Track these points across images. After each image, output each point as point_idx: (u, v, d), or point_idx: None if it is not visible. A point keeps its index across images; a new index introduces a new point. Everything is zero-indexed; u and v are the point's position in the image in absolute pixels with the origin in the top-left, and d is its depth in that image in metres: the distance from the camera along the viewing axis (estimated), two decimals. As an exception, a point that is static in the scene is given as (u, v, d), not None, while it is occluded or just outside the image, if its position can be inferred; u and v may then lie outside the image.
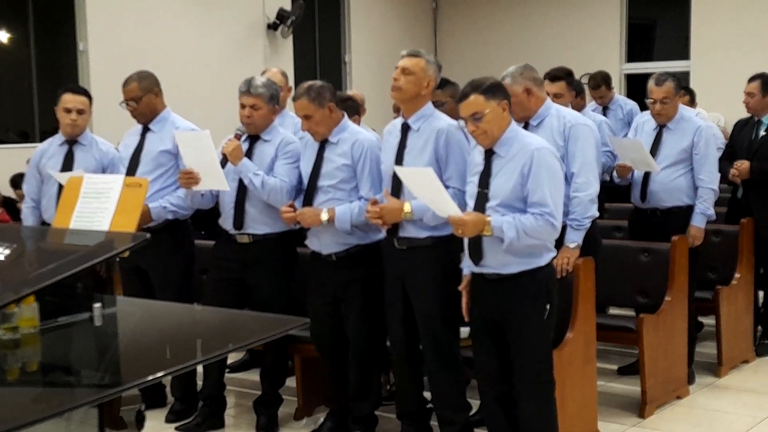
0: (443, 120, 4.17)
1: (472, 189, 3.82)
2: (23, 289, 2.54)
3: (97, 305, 2.78)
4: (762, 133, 5.83)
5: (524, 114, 4.38)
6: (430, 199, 3.84)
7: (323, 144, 4.39)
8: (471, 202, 3.80)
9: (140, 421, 2.63)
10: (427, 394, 4.42)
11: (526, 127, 4.39)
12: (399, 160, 4.16)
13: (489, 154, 3.77)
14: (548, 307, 3.76)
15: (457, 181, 4.05)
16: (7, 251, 3.02)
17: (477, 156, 3.85)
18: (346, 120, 4.44)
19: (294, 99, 4.36)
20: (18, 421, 2.00)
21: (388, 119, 4.22)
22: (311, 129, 4.33)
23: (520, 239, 3.63)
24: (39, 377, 2.54)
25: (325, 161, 4.37)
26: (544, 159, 3.68)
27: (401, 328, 4.28)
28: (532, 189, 3.66)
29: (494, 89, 3.72)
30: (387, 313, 4.34)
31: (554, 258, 3.87)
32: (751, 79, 5.90)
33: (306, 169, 4.44)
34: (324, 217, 4.28)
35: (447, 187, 3.94)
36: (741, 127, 6.03)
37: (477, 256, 3.77)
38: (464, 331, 4.28)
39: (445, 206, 3.72)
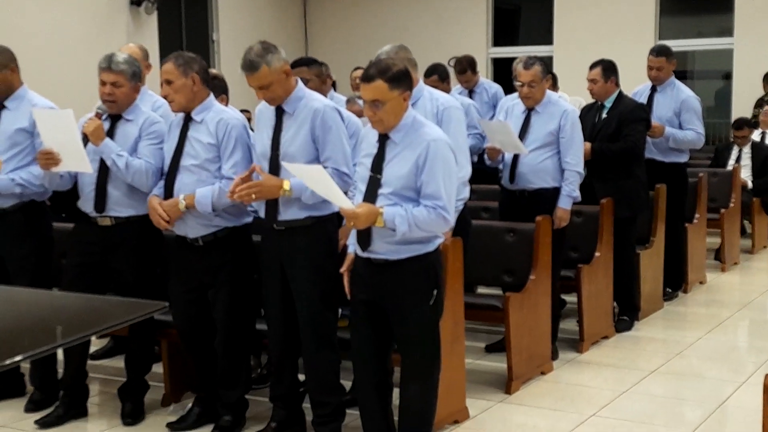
0: (318, 100, 4.11)
1: (363, 172, 3.75)
2: None
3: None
4: (604, 115, 6.06)
5: None
6: (323, 192, 3.75)
7: (187, 123, 4.28)
8: (362, 186, 3.74)
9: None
10: (301, 377, 4.39)
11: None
12: (275, 143, 4.07)
13: (383, 139, 3.70)
14: (435, 292, 3.76)
15: (336, 161, 4.01)
16: None
17: (371, 136, 3.78)
18: (212, 99, 4.33)
19: (162, 63, 4.24)
20: None
21: (256, 100, 4.14)
22: (169, 96, 4.21)
23: (411, 232, 3.60)
24: None
25: (189, 140, 4.25)
26: (440, 151, 3.63)
27: (279, 310, 4.21)
28: (426, 181, 3.61)
29: (400, 78, 3.63)
30: (264, 296, 4.27)
31: (441, 243, 3.87)
32: (593, 66, 6.10)
33: (169, 149, 4.32)
34: (182, 205, 4.18)
35: (325, 167, 3.91)
36: (587, 111, 6.27)
37: (365, 242, 3.71)
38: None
39: (336, 200, 3.65)
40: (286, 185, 3.97)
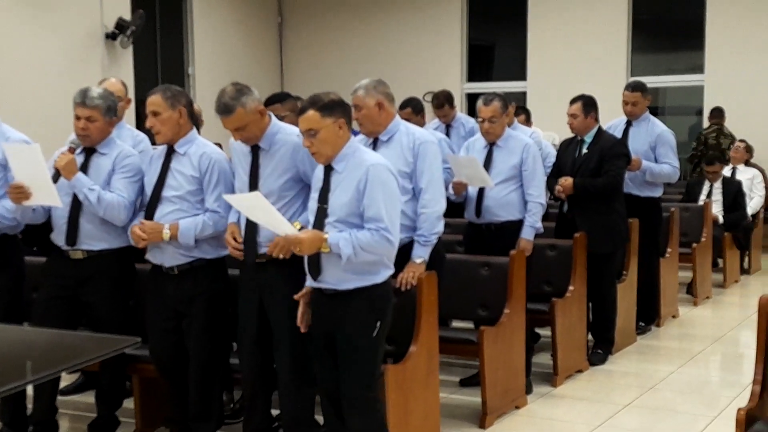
0: (295, 134, 4.13)
1: (312, 204, 3.84)
2: None
3: None
4: (585, 150, 6.11)
5: (374, 128, 4.41)
6: (265, 220, 3.82)
7: (170, 155, 4.28)
8: (311, 218, 3.81)
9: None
10: (274, 411, 4.35)
11: (375, 142, 4.42)
12: (254, 180, 4.11)
13: (328, 170, 3.80)
14: (379, 324, 3.79)
15: None
16: None
17: (318, 171, 3.87)
18: (194, 133, 4.36)
19: (147, 96, 4.25)
20: None
21: (228, 133, 4.17)
22: (155, 127, 4.22)
23: (357, 255, 3.65)
24: None
25: (171, 171, 4.26)
26: (378, 175, 3.72)
27: (255, 344, 4.19)
28: (367, 204, 3.69)
29: (332, 107, 3.73)
30: (240, 329, 4.25)
31: (392, 275, 3.90)
32: (573, 101, 6.17)
33: (151, 180, 4.32)
34: (166, 235, 4.17)
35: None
36: (566, 145, 6.32)
37: (315, 271, 3.78)
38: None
39: (280, 226, 3.71)
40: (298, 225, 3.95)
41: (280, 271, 4.06)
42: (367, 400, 3.81)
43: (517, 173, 5.41)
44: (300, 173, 4.08)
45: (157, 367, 4.47)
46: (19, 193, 4.26)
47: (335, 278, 3.74)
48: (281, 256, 3.92)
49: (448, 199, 5.59)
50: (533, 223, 5.40)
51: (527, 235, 5.39)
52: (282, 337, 4.11)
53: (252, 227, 4.09)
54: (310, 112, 3.70)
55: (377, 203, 3.68)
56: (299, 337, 4.07)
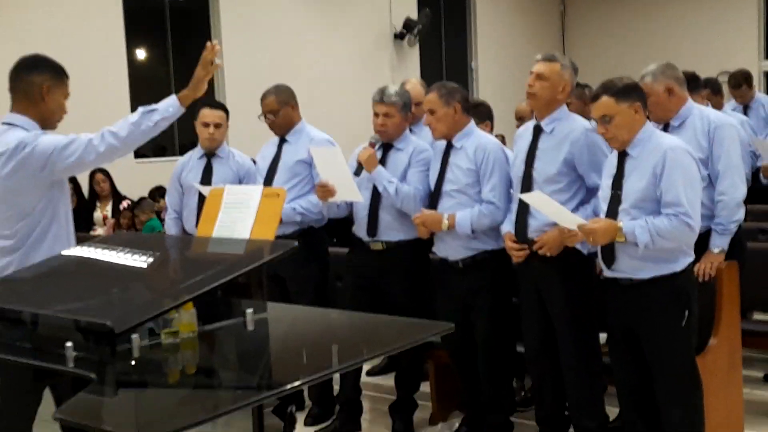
0: (578, 122, 4.12)
1: (605, 192, 3.78)
2: (183, 296, 2.65)
3: (249, 310, 2.87)
4: None
5: (664, 114, 4.28)
6: (555, 215, 3.82)
7: (448, 149, 4.42)
8: (604, 206, 3.76)
9: (291, 423, 2.70)
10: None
11: (666, 128, 4.29)
12: (530, 162, 4.13)
13: (622, 156, 3.73)
14: (687, 313, 3.66)
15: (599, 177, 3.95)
16: (151, 259, 3.16)
17: (611, 158, 3.82)
18: (472, 125, 4.46)
19: (426, 94, 4.43)
20: (179, 424, 2.09)
21: (513, 124, 4.22)
22: (432, 124, 4.38)
23: (654, 243, 3.56)
24: (199, 380, 2.64)
25: (450, 166, 4.40)
26: (677, 158, 3.60)
27: (536, 332, 4.21)
28: (665, 189, 3.59)
29: (626, 91, 3.67)
30: (522, 319, 4.30)
31: (693, 263, 3.76)
32: None
33: (432, 175, 4.48)
34: (444, 225, 4.31)
35: (597, 185, 3.90)
36: None
37: (609, 259, 3.72)
38: (602, 337, 4.21)
39: (570, 218, 3.71)
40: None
41: (555, 261, 4.03)
42: (686, 391, 3.71)
43: None
44: (575, 158, 4.02)
45: (450, 356, 4.61)
46: (326, 191, 4.58)
47: (630, 266, 3.67)
48: (548, 254, 3.94)
49: (753, 184, 5.29)
50: None
51: None
52: (563, 327, 4.09)
53: (523, 216, 4.11)
54: (604, 98, 3.66)
55: (676, 187, 3.57)
56: (582, 327, 4.06)
